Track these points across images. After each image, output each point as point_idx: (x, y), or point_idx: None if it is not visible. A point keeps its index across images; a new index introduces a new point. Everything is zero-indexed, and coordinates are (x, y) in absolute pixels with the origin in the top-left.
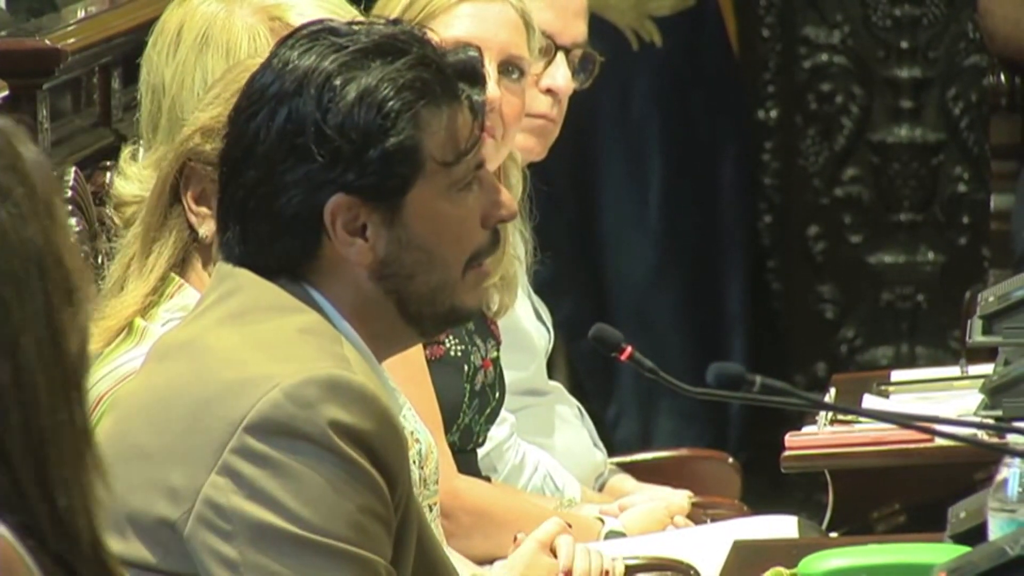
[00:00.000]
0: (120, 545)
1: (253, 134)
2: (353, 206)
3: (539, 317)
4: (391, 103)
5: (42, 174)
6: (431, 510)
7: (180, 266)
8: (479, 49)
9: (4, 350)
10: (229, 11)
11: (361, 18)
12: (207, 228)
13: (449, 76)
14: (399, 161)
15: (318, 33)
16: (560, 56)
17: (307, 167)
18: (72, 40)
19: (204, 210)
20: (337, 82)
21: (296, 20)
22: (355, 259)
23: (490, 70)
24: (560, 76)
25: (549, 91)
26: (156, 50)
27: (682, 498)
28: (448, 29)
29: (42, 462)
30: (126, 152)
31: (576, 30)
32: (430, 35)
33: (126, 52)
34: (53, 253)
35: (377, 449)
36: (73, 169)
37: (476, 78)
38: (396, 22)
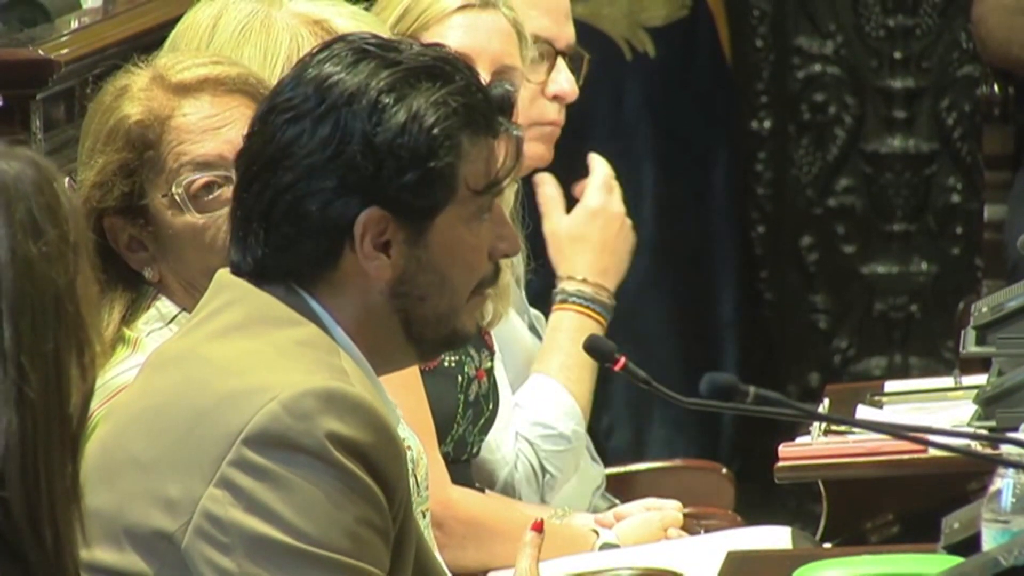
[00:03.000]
0: (116, 556)
1: (291, 139)
2: (383, 220)
3: (533, 329)
4: (439, 128)
5: (76, 222)
6: (424, 516)
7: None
8: (513, 85)
9: (12, 383)
10: (267, 12)
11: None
12: (151, 270)
13: (492, 107)
14: (436, 184)
15: (362, 48)
16: (560, 61)
17: (348, 176)
18: (65, 50)
19: (142, 254)
20: (388, 100)
21: (340, 27)
22: (375, 274)
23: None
24: (565, 81)
25: (556, 97)
26: (185, 42)
27: (675, 508)
28: (442, 39)
29: (36, 500)
30: None
31: (569, 32)
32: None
33: (119, 62)
34: (72, 300)
35: (375, 461)
36: (67, 179)
37: (512, 111)
38: (438, 46)
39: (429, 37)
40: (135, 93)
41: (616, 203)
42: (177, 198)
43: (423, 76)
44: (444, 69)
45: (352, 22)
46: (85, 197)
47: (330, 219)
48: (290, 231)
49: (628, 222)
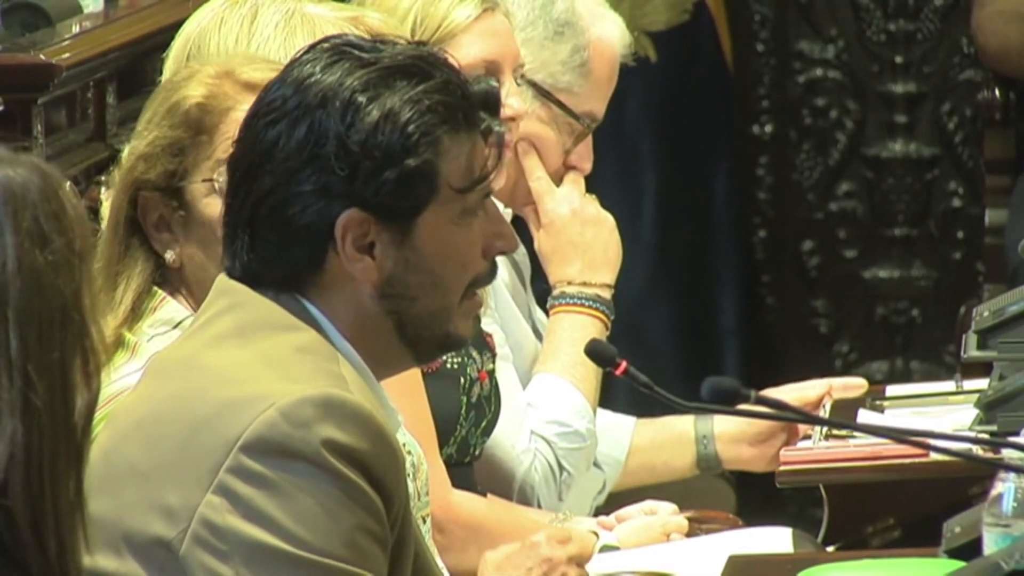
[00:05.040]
0: (115, 564)
1: (271, 142)
2: (364, 223)
3: (537, 334)
4: (414, 125)
5: (82, 231)
6: (424, 522)
7: (160, 283)
8: (498, 80)
9: (19, 392)
10: (302, 11)
11: (384, 37)
12: (172, 253)
13: (473, 104)
14: (415, 183)
15: (341, 48)
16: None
17: (324, 179)
18: (67, 55)
19: (166, 236)
20: (362, 99)
21: (373, 23)
22: (360, 276)
23: (511, 84)
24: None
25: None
26: (221, 35)
27: (678, 515)
28: (470, 47)
29: (40, 509)
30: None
31: None
32: (453, 61)
33: (121, 67)
34: (78, 309)
35: (372, 468)
36: (68, 184)
37: (496, 108)
38: (420, 44)
39: (455, 46)
40: (203, 79)
41: (563, 203)
42: (216, 186)
43: (399, 75)
44: (422, 67)
45: (382, 20)
46: (129, 166)
47: (311, 223)
48: (273, 236)
49: (589, 209)
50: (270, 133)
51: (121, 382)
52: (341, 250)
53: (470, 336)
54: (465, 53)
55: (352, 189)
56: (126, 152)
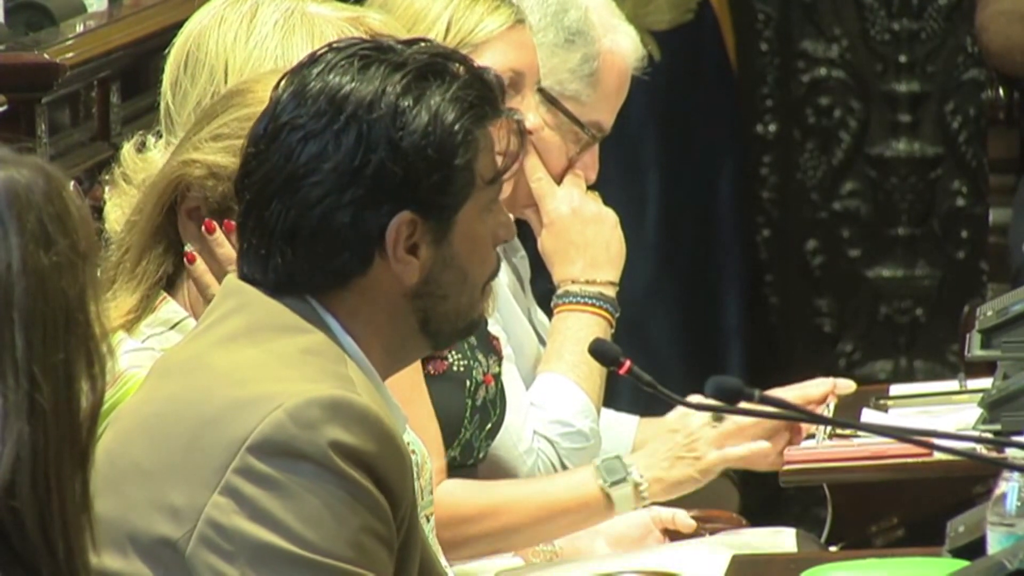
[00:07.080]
0: (120, 563)
1: (313, 155)
2: (412, 224)
3: (538, 336)
4: (459, 123)
5: (86, 232)
6: (428, 521)
7: (168, 279)
8: (520, 92)
9: (24, 393)
10: (302, 9)
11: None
12: (192, 247)
13: (495, 94)
14: (459, 180)
15: (361, 53)
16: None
17: (377, 184)
18: (71, 54)
19: (192, 227)
20: (407, 102)
21: (374, 24)
22: (405, 277)
23: (531, 99)
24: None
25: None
26: (221, 32)
27: (683, 515)
28: (502, 56)
29: (47, 510)
30: (134, 141)
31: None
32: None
33: (125, 66)
34: (83, 311)
35: (379, 469)
36: (72, 183)
37: (504, 94)
38: (425, 40)
39: (485, 52)
40: None
41: (563, 202)
42: None
43: (430, 74)
44: (444, 64)
45: (382, 20)
46: (191, 160)
47: (362, 228)
48: (321, 245)
49: (589, 207)
50: (310, 146)
51: None
52: (391, 253)
53: (484, 318)
54: (493, 61)
55: (404, 191)
56: (193, 145)
